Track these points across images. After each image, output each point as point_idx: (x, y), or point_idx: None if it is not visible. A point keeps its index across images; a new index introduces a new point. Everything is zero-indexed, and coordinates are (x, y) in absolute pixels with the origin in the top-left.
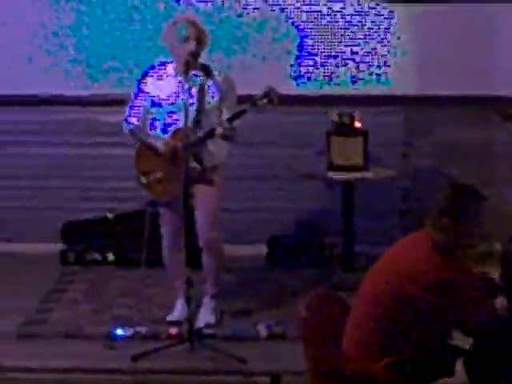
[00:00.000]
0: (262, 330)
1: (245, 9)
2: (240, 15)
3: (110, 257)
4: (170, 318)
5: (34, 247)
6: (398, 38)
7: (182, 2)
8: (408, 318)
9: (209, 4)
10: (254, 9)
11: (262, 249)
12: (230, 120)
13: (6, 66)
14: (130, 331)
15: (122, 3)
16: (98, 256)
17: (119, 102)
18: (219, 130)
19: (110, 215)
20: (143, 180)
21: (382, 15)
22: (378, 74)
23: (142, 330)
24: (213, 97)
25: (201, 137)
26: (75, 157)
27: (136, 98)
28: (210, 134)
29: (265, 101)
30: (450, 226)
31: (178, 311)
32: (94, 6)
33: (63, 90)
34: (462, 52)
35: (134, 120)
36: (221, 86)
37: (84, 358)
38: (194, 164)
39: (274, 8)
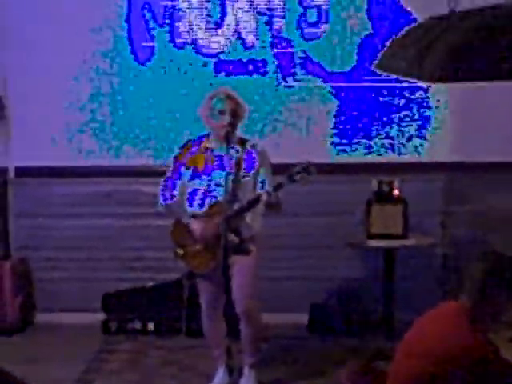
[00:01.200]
0: None
1: (284, 78)
2: (279, 84)
3: (151, 326)
4: None
5: (76, 317)
6: (437, 107)
7: (221, 75)
8: None
9: (249, 75)
10: (294, 78)
11: (304, 317)
12: (274, 189)
13: (47, 138)
14: None
15: (167, 77)
16: (138, 325)
17: (160, 173)
18: (264, 197)
19: (149, 285)
20: (180, 252)
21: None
22: (417, 142)
23: None
24: (249, 170)
25: (243, 206)
26: (115, 227)
27: (173, 172)
28: (255, 201)
29: (302, 175)
30: (486, 300)
31: (219, 380)
32: (139, 77)
33: (105, 160)
34: (499, 118)
35: (169, 194)
36: (257, 159)
37: None
38: (231, 236)
39: (315, 77)
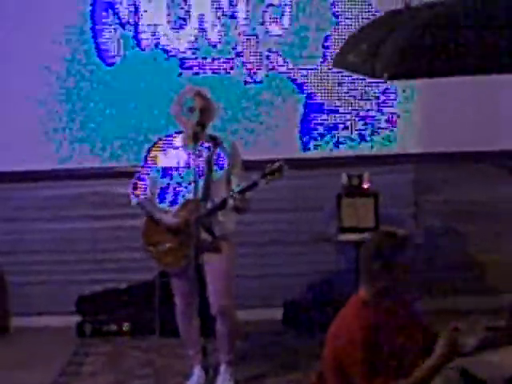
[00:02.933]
0: None
1: (250, 76)
2: (246, 82)
3: (126, 327)
4: None
5: (51, 320)
6: (405, 97)
7: (187, 74)
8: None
9: (215, 73)
10: (257, 72)
11: (278, 313)
12: (241, 192)
13: (17, 143)
14: None
15: (133, 77)
16: (113, 327)
17: (129, 173)
18: (231, 203)
19: (123, 286)
20: (152, 250)
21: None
22: (385, 133)
23: None
24: (221, 167)
25: (212, 208)
26: (88, 230)
27: (143, 170)
28: (222, 205)
29: (276, 175)
30: (377, 276)
31: (196, 379)
32: (106, 77)
33: (75, 164)
34: (468, 108)
35: (141, 193)
36: (228, 156)
37: None
38: (204, 235)
39: (281, 72)
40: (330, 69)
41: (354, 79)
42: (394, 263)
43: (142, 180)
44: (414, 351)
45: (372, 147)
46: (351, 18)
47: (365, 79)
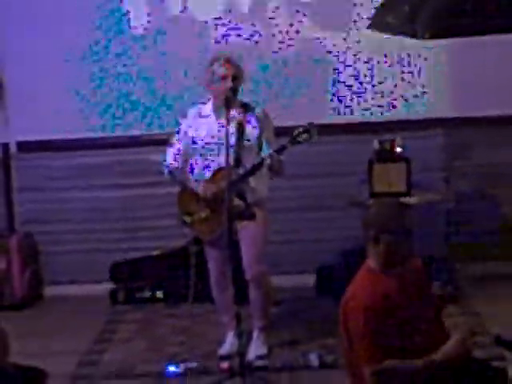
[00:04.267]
0: (314, 360)
1: (281, 42)
2: (277, 48)
3: (159, 294)
4: (220, 352)
5: (84, 288)
6: (436, 62)
7: (219, 41)
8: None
9: (245, 41)
10: (291, 40)
11: (311, 279)
12: (277, 152)
13: (47, 112)
14: (181, 368)
15: (162, 44)
16: (147, 294)
17: (162, 141)
18: (268, 161)
19: (156, 253)
20: (187, 219)
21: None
22: (416, 99)
23: (194, 365)
24: (252, 134)
25: (244, 173)
26: (120, 198)
27: (175, 140)
28: (259, 165)
29: (304, 137)
30: (374, 244)
31: (229, 345)
32: (134, 44)
33: (107, 131)
34: (498, 72)
35: (172, 161)
36: (259, 122)
37: None
38: (237, 201)
39: (312, 39)
40: (360, 33)
41: (385, 43)
42: (387, 231)
43: (174, 149)
44: (424, 323)
45: (403, 112)
46: None
47: (397, 43)
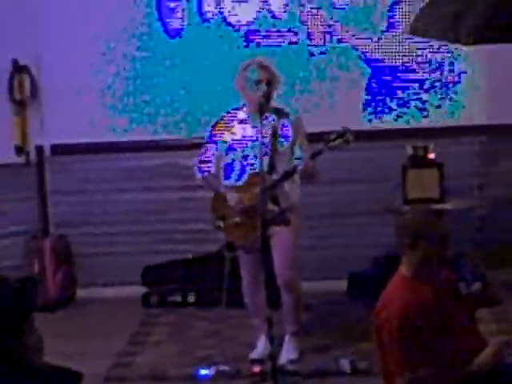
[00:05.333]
0: (346, 366)
1: (314, 47)
2: (310, 53)
3: (191, 298)
4: (252, 355)
5: (116, 291)
6: (471, 70)
7: (251, 45)
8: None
9: (279, 46)
10: (324, 46)
11: (343, 284)
12: (311, 158)
13: (82, 115)
14: (213, 371)
15: (197, 50)
16: (179, 298)
17: (198, 145)
18: (301, 167)
19: (189, 257)
20: (221, 224)
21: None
22: (451, 105)
23: (226, 369)
24: (286, 140)
25: (278, 178)
26: (153, 201)
27: (209, 145)
28: (292, 171)
29: (339, 141)
30: (408, 252)
31: (261, 349)
32: (169, 51)
33: (141, 135)
34: None
35: (206, 166)
36: (293, 128)
37: None
38: (271, 206)
39: (345, 42)
40: (395, 39)
41: (419, 49)
42: (423, 239)
43: (208, 155)
44: (457, 331)
45: (437, 119)
46: None
47: (430, 50)
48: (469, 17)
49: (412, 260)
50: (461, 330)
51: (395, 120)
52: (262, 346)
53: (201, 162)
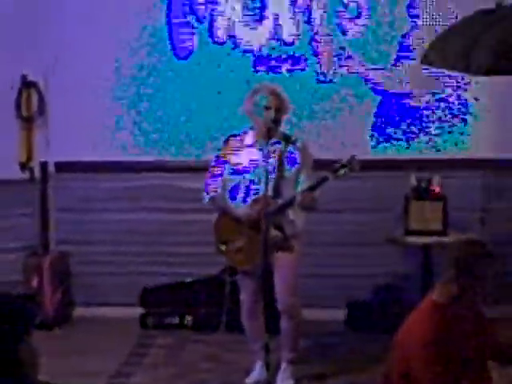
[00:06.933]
0: None
1: (323, 75)
2: (319, 81)
3: (189, 321)
4: (248, 381)
5: (114, 311)
6: (477, 103)
7: (261, 70)
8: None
9: (288, 72)
10: (334, 74)
11: (341, 314)
12: (312, 189)
13: (86, 133)
14: None
15: (206, 72)
16: (176, 320)
17: (200, 168)
18: (299, 198)
19: (188, 280)
20: (223, 248)
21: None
22: (456, 138)
23: None
24: (292, 165)
25: (281, 204)
26: (155, 222)
27: (216, 167)
28: (291, 201)
29: (346, 170)
30: (450, 282)
31: (257, 374)
32: (179, 73)
33: (146, 156)
34: None
35: (214, 189)
36: (299, 155)
37: None
38: (274, 232)
39: (354, 71)
40: (403, 69)
41: (427, 81)
42: (470, 273)
43: (215, 178)
44: (478, 362)
45: (443, 150)
46: (427, 19)
47: (439, 81)
48: (481, 48)
49: (452, 289)
50: (475, 370)
51: (401, 150)
52: (258, 372)
53: (208, 184)
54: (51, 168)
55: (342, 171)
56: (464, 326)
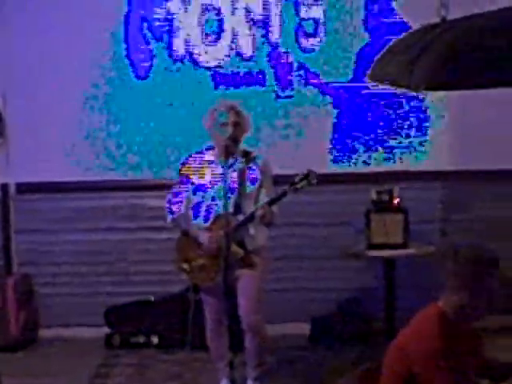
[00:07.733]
0: None
1: (282, 90)
2: (278, 96)
3: (154, 340)
4: None
5: (79, 331)
6: (436, 115)
7: (220, 86)
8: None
9: (247, 87)
10: (292, 89)
11: (305, 328)
12: (270, 203)
13: (47, 154)
14: None
15: (165, 91)
16: (141, 339)
17: (161, 187)
18: (259, 213)
19: (152, 298)
20: (185, 266)
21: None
22: (415, 150)
23: None
24: (253, 183)
25: (241, 221)
26: (118, 242)
27: (177, 186)
28: (251, 217)
29: (304, 183)
30: (460, 293)
31: None
32: (138, 92)
33: (105, 176)
34: (498, 126)
35: (176, 209)
36: (260, 171)
37: None
38: (236, 249)
39: (312, 86)
40: (361, 84)
41: (385, 95)
42: (474, 284)
43: (177, 196)
44: (470, 374)
45: (401, 163)
46: (383, 33)
47: (396, 95)
48: (421, 63)
49: (455, 302)
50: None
51: (360, 163)
52: None
53: (171, 203)
54: (12, 189)
55: (299, 185)
56: (463, 338)
